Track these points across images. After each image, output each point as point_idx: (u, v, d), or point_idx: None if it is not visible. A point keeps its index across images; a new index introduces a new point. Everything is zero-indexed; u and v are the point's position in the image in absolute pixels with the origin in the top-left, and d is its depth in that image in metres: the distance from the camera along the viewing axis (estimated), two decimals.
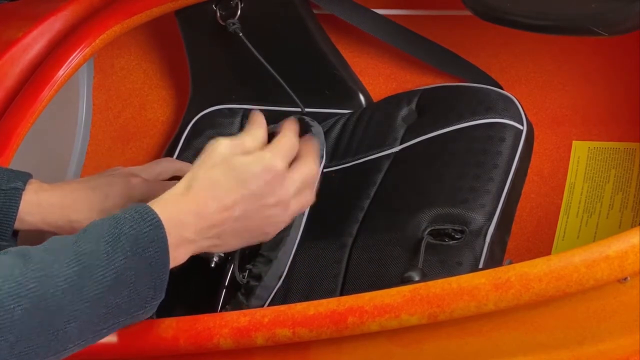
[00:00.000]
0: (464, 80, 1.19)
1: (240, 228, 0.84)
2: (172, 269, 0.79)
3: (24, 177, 0.96)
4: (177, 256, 0.81)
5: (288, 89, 1.19)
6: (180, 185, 0.83)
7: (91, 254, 0.75)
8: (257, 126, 0.89)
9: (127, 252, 0.76)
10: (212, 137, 1.22)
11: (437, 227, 1.00)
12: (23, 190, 0.94)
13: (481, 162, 1.05)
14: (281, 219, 0.87)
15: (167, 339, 0.86)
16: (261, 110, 1.23)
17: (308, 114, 1.18)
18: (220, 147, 0.84)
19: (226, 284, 1.01)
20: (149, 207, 0.79)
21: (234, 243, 0.86)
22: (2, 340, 0.69)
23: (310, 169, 0.88)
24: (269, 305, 1.01)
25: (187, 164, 1.13)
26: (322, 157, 1.10)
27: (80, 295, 0.73)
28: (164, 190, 1.06)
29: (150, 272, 0.77)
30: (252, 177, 0.83)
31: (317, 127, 1.13)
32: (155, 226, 0.78)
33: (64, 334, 0.73)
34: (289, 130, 0.89)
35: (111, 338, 0.89)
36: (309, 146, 0.90)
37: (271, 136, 0.92)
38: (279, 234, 1.02)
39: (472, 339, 0.81)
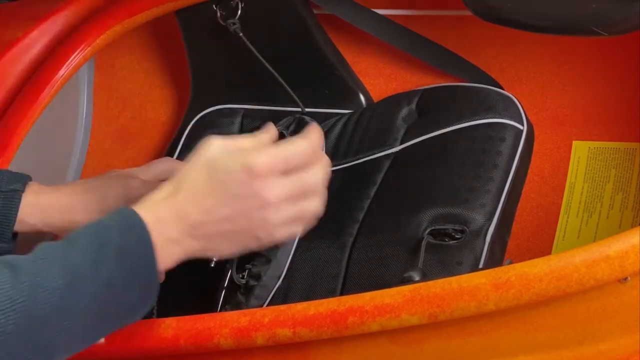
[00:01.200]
0: (465, 80, 1.19)
1: (228, 230, 0.80)
2: (172, 270, 0.78)
3: (24, 179, 0.96)
4: (165, 258, 0.79)
5: (288, 88, 1.19)
6: (166, 187, 0.81)
7: (79, 265, 0.73)
8: (265, 132, 0.84)
9: (113, 261, 0.74)
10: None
11: (437, 227, 1.00)
12: (23, 192, 0.94)
13: (481, 162, 1.05)
14: (271, 224, 0.80)
15: (167, 339, 0.86)
16: (261, 110, 1.24)
17: (308, 114, 1.18)
18: (210, 147, 0.80)
19: (225, 283, 1.01)
20: (134, 211, 0.77)
21: (226, 246, 0.82)
22: None
23: (311, 175, 0.81)
24: (269, 305, 1.01)
25: None
26: None
27: (69, 306, 0.72)
28: None
29: (138, 279, 0.76)
30: (230, 178, 0.78)
31: None
32: (141, 232, 0.76)
33: (52, 345, 0.72)
34: (301, 138, 0.82)
35: (111, 338, 0.89)
36: (317, 154, 0.83)
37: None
38: None
39: (472, 339, 0.81)
